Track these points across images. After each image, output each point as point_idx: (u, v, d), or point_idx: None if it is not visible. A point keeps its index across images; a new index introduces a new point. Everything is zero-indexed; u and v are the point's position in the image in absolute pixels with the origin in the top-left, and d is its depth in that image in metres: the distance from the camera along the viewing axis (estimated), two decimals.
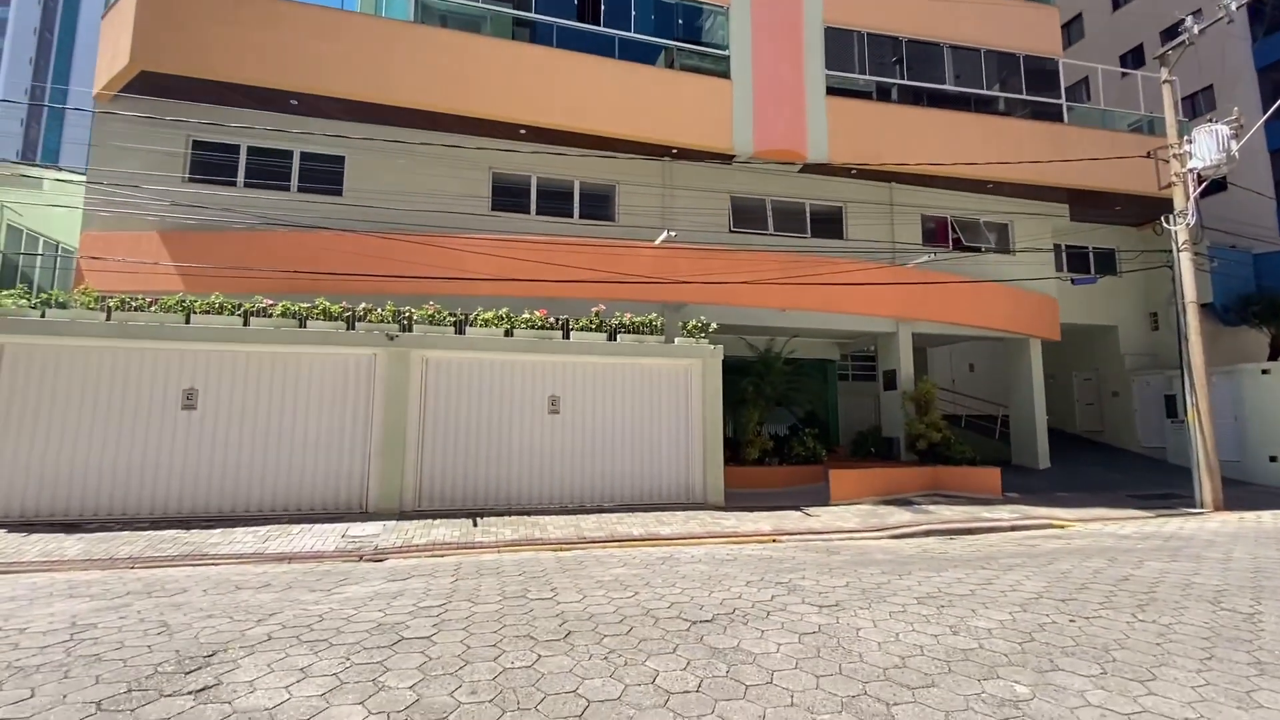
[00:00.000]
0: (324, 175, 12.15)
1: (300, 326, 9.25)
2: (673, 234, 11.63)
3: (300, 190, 12.02)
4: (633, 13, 12.87)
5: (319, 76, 11.06)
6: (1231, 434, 14.41)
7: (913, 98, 14.50)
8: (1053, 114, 15.40)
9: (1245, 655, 3.96)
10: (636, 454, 10.45)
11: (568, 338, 10.31)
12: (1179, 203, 12.25)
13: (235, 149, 11.91)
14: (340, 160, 12.20)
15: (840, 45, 14.18)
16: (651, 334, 10.66)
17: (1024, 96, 15.24)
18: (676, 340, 10.79)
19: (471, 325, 9.91)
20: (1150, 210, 15.28)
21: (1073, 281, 12.88)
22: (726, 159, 13.43)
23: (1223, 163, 11.57)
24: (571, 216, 13.23)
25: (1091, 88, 19.54)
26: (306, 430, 9.06)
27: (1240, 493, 12.66)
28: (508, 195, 13.02)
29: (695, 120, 12.85)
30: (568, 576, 6.02)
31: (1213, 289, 16.39)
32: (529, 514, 9.48)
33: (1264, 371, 14.37)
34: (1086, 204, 16.07)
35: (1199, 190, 12.01)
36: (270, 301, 9.27)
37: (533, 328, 10.14)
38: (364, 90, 11.21)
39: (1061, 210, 16.28)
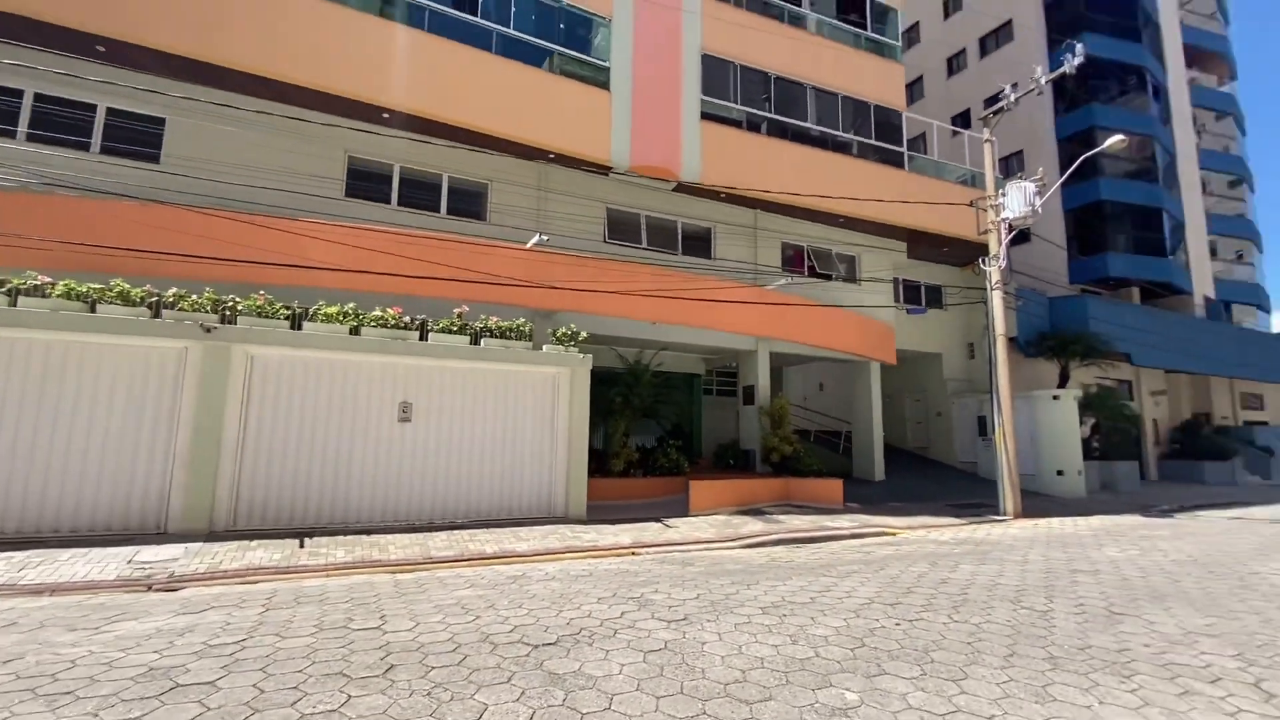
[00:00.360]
0: (137, 137, 10.43)
1: (90, 311, 7.75)
2: (545, 238, 11.32)
3: (105, 152, 10.22)
4: (512, 8, 12.48)
5: (133, 22, 9.50)
6: (1029, 451, 16.67)
7: (779, 132, 15.42)
8: (895, 161, 17.09)
9: (1041, 651, 4.37)
10: (497, 466, 9.92)
11: (425, 339, 9.60)
12: (993, 247, 14.02)
13: (18, 94, 9.90)
14: (160, 123, 10.55)
15: (717, 74, 14.76)
16: (519, 340, 10.23)
17: (873, 142, 16.78)
18: (545, 348, 10.44)
19: (310, 320, 8.89)
20: (971, 253, 17.42)
21: (907, 311, 14.36)
22: (603, 170, 13.39)
23: (1028, 215, 13.42)
24: (438, 211, 12.46)
25: (928, 142, 22.03)
26: (90, 436, 7.56)
27: (1035, 502, 14.62)
28: (366, 181, 11.99)
29: (574, 127, 12.68)
30: (403, 602, 5.44)
31: (1017, 325, 18.99)
32: (370, 533, 8.63)
33: (1055, 397, 16.83)
34: (921, 243, 17.99)
35: (1009, 238, 13.83)
36: (48, 279, 7.69)
37: (384, 326, 9.32)
38: (189, 45, 9.78)
39: (900, 247, 18.09)
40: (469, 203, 12.78)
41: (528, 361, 10.13)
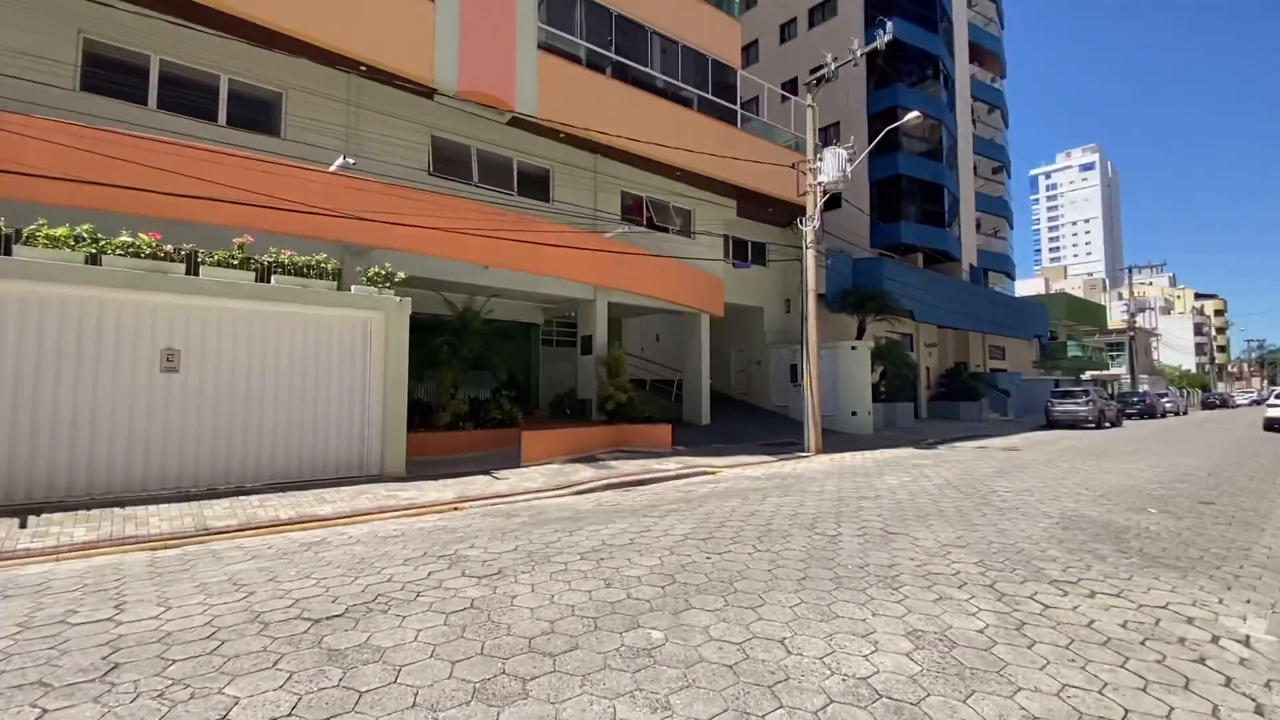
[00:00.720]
0: None
1: None
2: (351, 161, 9.93)
3: None
4: None
5: None
6: (830, 395, 18.66)
7: (621, 76, 15.00)
8: (730, 119, 17.58)
9: (829, 573, 4.79)
10: (296, 422, 8.77)
11: (195, 274, 8.03)
12: (809, 209, 15.09)
13: None
14: None
15: (559, 3, 13.83)
16: (322, 278, 8.98)
17: (710, 97, 17.05)
18: (354, 289, 9.29)
19: (25, 243, 6.97)
20: (791, 215, 18.65)
21: (734, 265, 15.08)
22: (427, 92, 12.04)
23: (840, 180, 14.57)
24: (216, 120, 10.38)
25: (760, 106, 22.99)
26: None
27: (834, 439, 16.46)
28: (110, 72, 9.58)
29: (390, 37, 11.15)
30: (156, 584, 4.54)
31: (826, 283, 20.92)
32: (126, 504, 7.21)
33: (853, 348, 18.92)
34: (749, 203, 18.90)
35: (823, 200, 14.95)
36: None
37: (136, 256, 7.61)
38: None
39: (731, 205, 18.86)
40: (257, 113, 10.81)
41: (332, 304, 8.96)
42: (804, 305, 14.98)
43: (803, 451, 14.30)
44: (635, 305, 16.82)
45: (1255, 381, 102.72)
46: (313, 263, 8.88)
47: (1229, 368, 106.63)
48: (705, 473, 11.29)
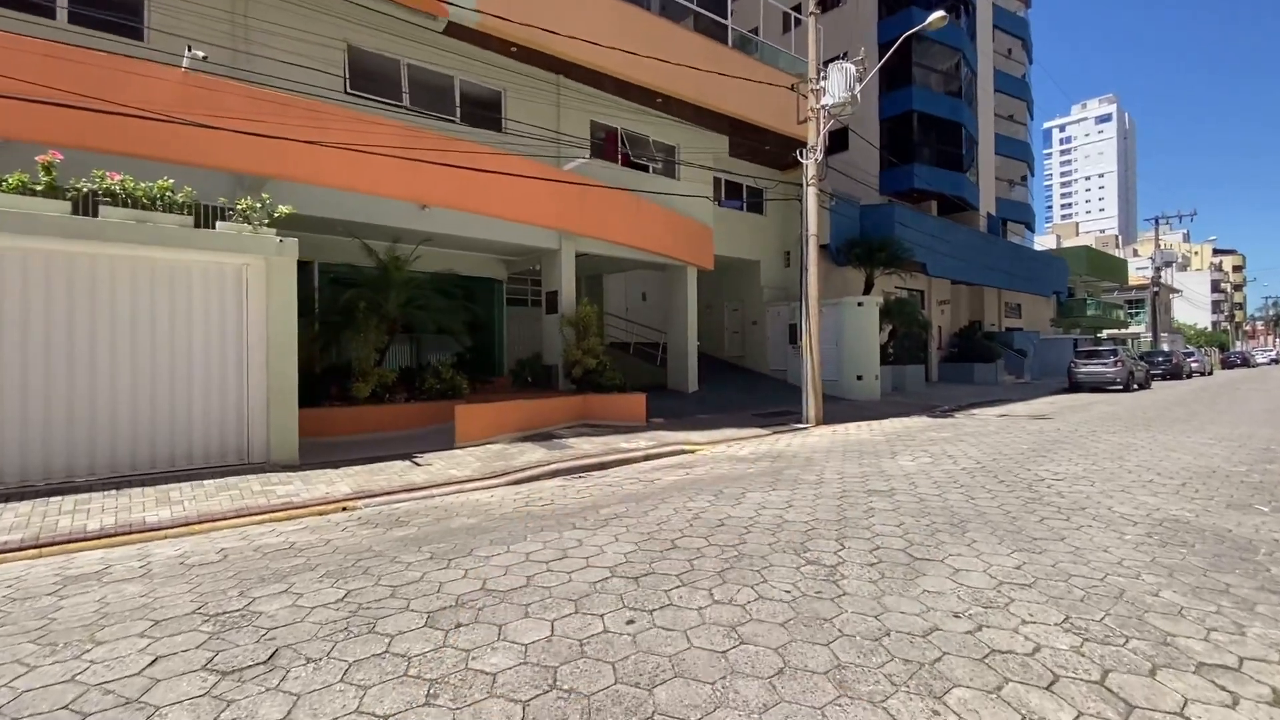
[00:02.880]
0: None
1: None
2: (201, 55, 7.67)
3: None
4: None
5: None
6: (833, 357, 16.64)
7: None
8: (719, 36, 15.11)
9: (824, 655, 2.86)
10: (144, 397, 6.82)
11: None
12: (811, 138, 12.78)
13: None
14: None
15: None
16: (172, 211, 6.90)
17: (695, 7, 14.56)
18: (219, 225, 7.22)
19: None
20: (791, 156, 16.32)
21: (719, 203, 12.88)
22: None
23: (849, 102, 12.22)
24: (54, 18, 8.14)
25: (758, 32, 20.31)
26: None
27: (836, 408, 14.51)
28: None
29: None
30: None
31: (830, 233, 18.67)
32: None
33: (859, 304, 16.80)
34: (744, 138, 16.51)
35: (828, 127, 12.64)
36: None
37: None
38: None
39: (722, 142, 16.49)
40: (110, 9, 8.53)
41: (185, 244, 6.90)
42: (804, 253, 12.82)
43: (800, 422, 12.37)
44: (612, 257, 14.69)
45: (1269, 339, 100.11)
46: (157, 191, 6.79)
47: (1244, 326, 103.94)
48: (682, 451, 9.39)
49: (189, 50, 7.55)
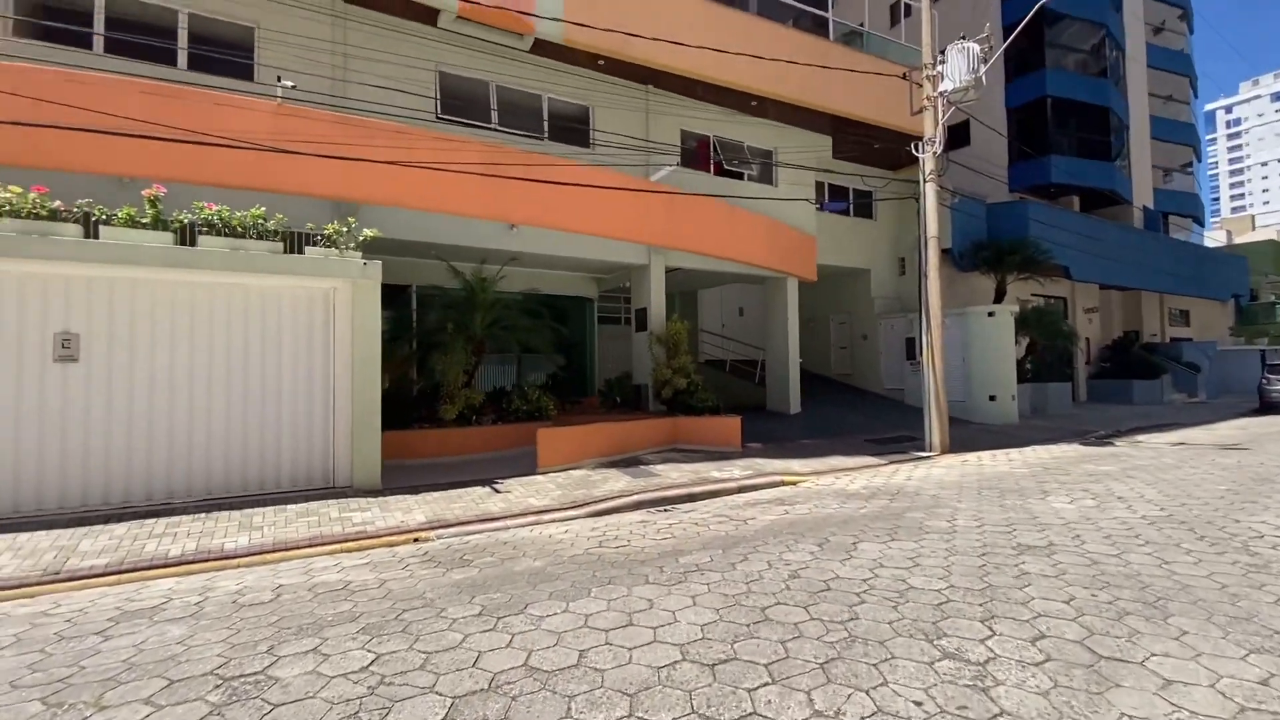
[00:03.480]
0: None
1: None
2: (290, 84, 7.86)
3: None
4: None
5: None
6: (960, 375, 14.78)
7: None
8: (820, 30, 14.07)
9: None
10: (237, 422, 6.95)
11: (94, 236, 6.32)
12: (928, 130, 11.40)
13: None
14: None
15: None
16: (261, 238, 7.05)
17: (794, 2, 13.65)
18: (308, 251, 7.31)
19: None
20: (903, 154, 14.88)
21: (821, 206, 11.71)
22: (429, 16, 9.87)
23: (971, 86, 10.77)
24: (176, 64, 8.77)
25: (864, 35, 18.97)
26: None
27: (964, 432, 12.77)
28: None
29: None
30: None
31: (952, 236, 16.80)
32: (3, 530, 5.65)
33: (990, 314, 14.85)
34: (849, 137, 15.23)
35: (947, 115, 11.22)
36: None
37: (14, 216, 5.97)
38: None
39: (825, 144, 15.32)
40: (225, 51, 9.07)
41: (274, 270, 7.00)
42: (922, 257, 11.40)
43: (922, 450, 10.90)
44: (705, 271, 13.94)
45: None
46: (250, 220, 6.95)
47: None
48: (782, 483, 8.41)
49: (279, 80, 7.81)
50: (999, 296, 16.95)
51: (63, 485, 6.20)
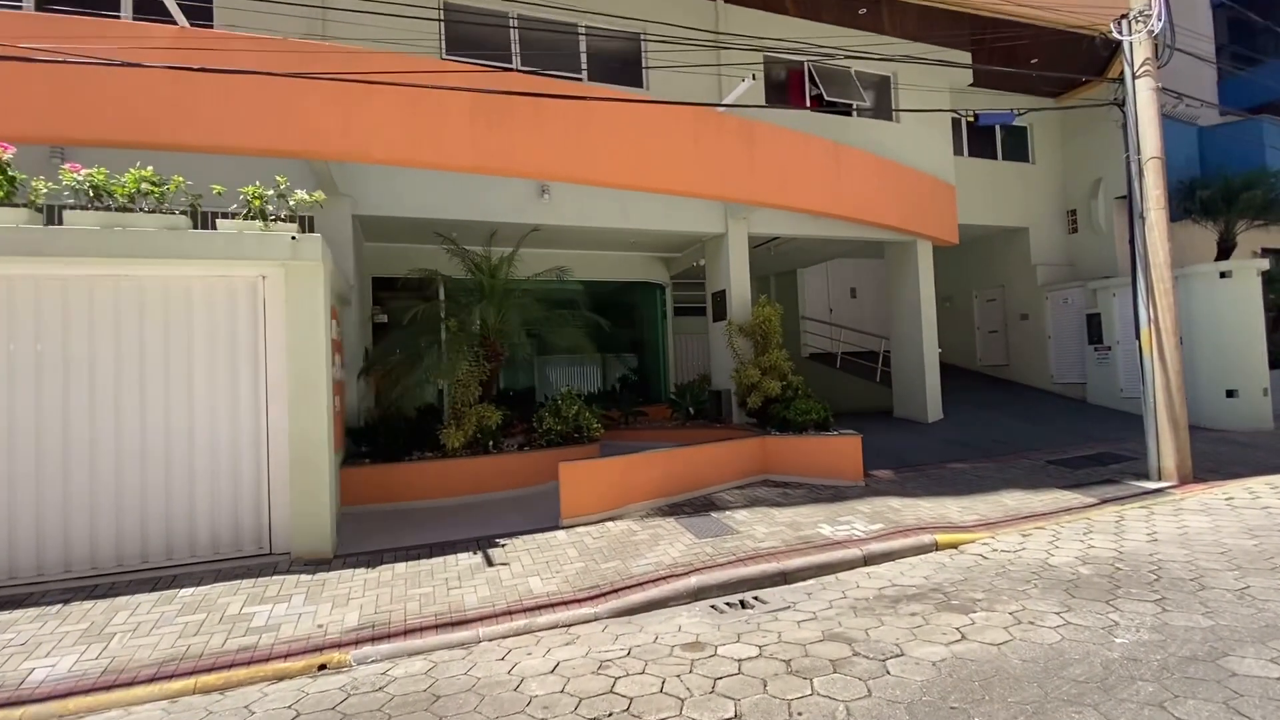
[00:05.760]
0: None
1: None
2: None
3: None
4: None
5: None
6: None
7: None
8: None
9: None
10: (132, 473, 5.00)
11: None
12: (1134, 5, 7.64)
13: None
14: None
15: None
16: (170, 213, 5.06)
17: None
18: (220, 224, 5.23)
19: None
20: (1076, 60, 10.88)
21: (975, 118, 8.21)
22: None
23: None
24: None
25: None
26: None
27: (1199, 445, 8.71)
28: None
29: None
30: None
31: None
32: None
33: (1223, 274, 10.47)
34: (997, 50, 11.38)
35: None
36: None
37: None
38: None
39: (962, 61, 11.57)
40: None
41: (169, 255, 4.97)
42: (1134, 193, 7.64)
43: (1143, 477, 7.24)
44: (804, 239, 10.79)
45: None
46: (131, 185, 4.95)
47: None
48: (931, 546, 5.34)
49: None
50: (1223, 252, 12.27)
51: None
